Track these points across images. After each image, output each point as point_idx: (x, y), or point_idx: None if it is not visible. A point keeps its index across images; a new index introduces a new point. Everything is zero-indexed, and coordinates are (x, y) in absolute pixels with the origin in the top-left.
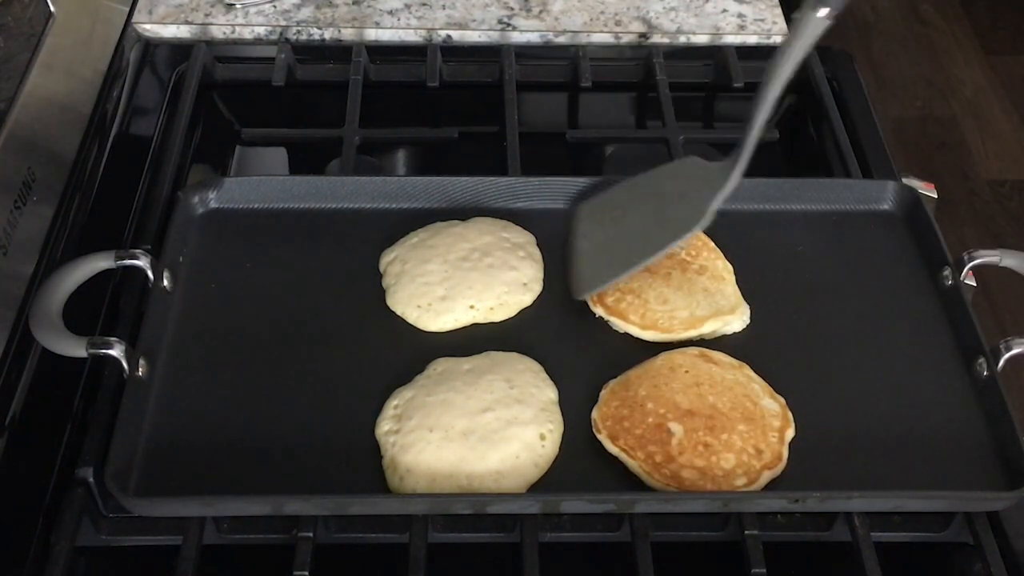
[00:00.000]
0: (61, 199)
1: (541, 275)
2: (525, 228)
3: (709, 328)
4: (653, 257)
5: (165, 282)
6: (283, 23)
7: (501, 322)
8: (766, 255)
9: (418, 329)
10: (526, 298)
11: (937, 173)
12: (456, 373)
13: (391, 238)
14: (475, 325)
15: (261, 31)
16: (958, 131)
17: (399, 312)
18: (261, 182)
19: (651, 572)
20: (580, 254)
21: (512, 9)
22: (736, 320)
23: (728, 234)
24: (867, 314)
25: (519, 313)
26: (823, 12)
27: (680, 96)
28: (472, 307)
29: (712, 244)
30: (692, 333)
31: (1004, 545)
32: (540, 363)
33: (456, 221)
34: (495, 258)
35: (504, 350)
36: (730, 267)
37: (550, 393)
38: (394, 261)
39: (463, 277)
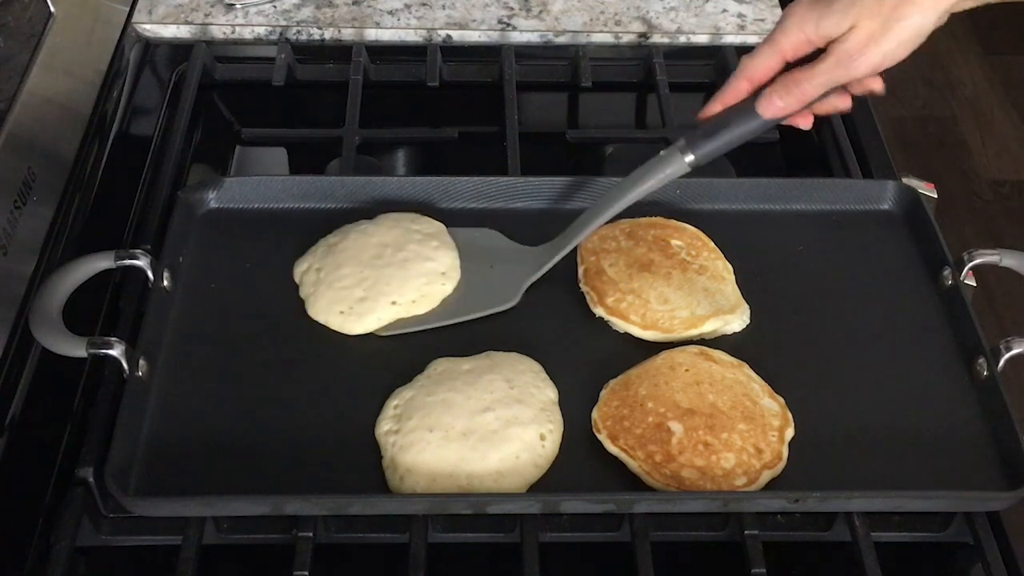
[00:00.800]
0: (61, 199)
1: (458, 262)
2: (525, 228)
3: (709, 328)
4: (455, 320)
5: (165, 282)
6: (283, 23)
7: (501, 323)
8: (766, 255)
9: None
10: (447, 287)
11: (937, 173)
12: (456, 373)
13: None
14: (463, 325)
15: (261, 31)
16: (958, 131)
17: (321, 320)
18: (261, 182)
19: (651, 572)
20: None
21: (512, 9)
22: (736, 320)
23: (728, 234)
24: (867, 314)
25: (514, 312)
26: (690, 159)
27: (680, 96)
28: (394, 303)
29: (712, 244)
30: (692, 333)
31: (1004, 545)
32: (540, 363)
33: (363, 221)
34: (408, 252)
35: (504, 350)
36: (730, 267)
37: (550, 393)
38: (308, 271)
39: (379, 275)
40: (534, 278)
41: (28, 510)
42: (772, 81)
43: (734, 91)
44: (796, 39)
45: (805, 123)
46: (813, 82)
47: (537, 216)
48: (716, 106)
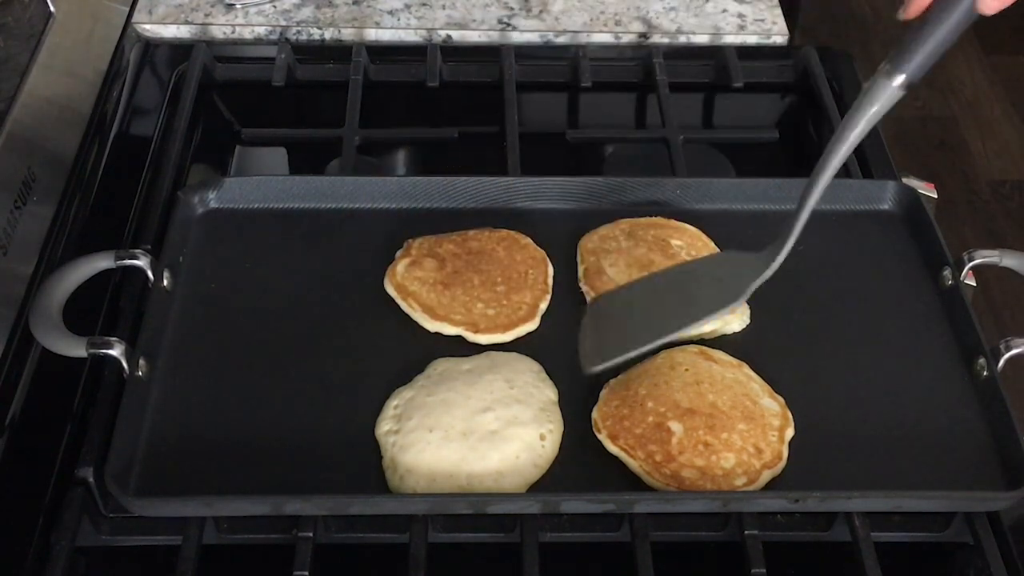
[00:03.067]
0: (61, 199)
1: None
2: (525, 229)
3: (709, 328)
4: (676, 333)
5: (165, 282)
6: (283, 23)
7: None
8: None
9: (418, 328)
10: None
11: (937, 173)
12: (456, 373)
13: (391, 239)
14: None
15: (261, 31)
16: (958, 131)
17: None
18: (261, 182)
19: (651, 572)
20: (593, 330)
21: (512, 9)
22: (736, 320)
23: (728, 234)
24: (867, 314)
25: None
26: (899, 80)
27: (680, 96)
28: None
29: (712, 244)
30: (692, 333)
31: (1004, 545)
32: (540, 363)
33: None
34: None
35: (504, 350)
36: None
37: (550, 393)
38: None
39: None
40: (763, 278)
41: (28, 510)
42: None
43: None
44: None
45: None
46: None
47: (537, 216)
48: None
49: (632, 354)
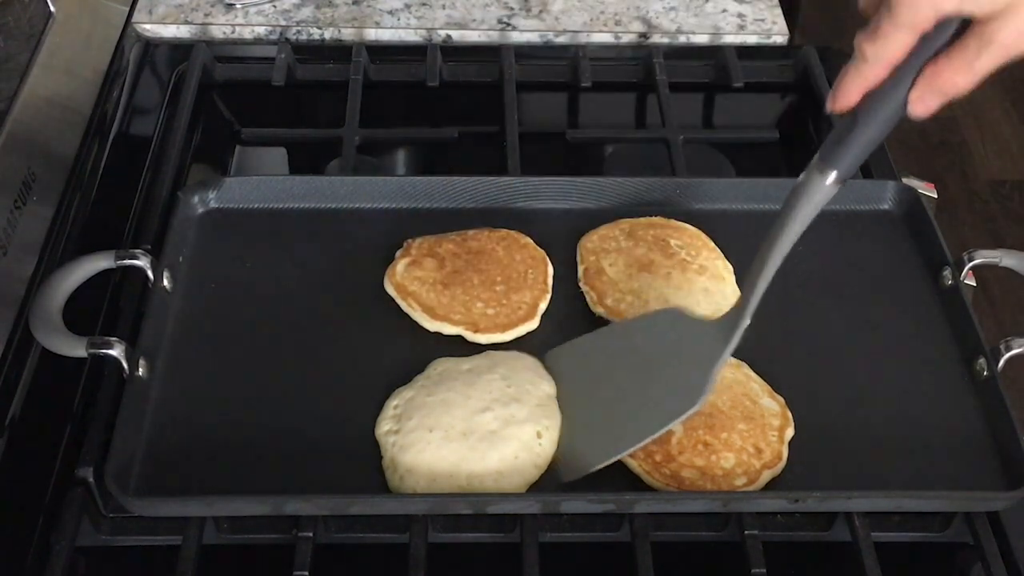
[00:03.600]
0: (61, 199)
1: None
2: (525, 229)
3: None
4: (654, 435)
5: (165, 282)
6: (283, 23)
7: None
8: None
9: (418, 328)
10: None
11: (937, 173)
12: (456, 373)
13: (391, 238)
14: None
15: (261, 31)
16: (958, 131)
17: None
18: (261, 182)
19: (651, 572)
20: (566, 428)
21: (512, 9)
22: None
23: (728, 234)
24: (867, 313)
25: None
26: (831, 178)
27: (680, 96)
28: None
29: (712, 244)
30: None
31: (1004, 545)
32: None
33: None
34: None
35: (504, 350)
36: (730, 267)
37: (546, 387)
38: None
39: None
40: (724, 359)
41: (28, 510)
42: (906, 64)
43: (869, 77)
44: (925, 16)
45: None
46: (971, 77)
47: (537, 216)
48: (854, 93)
49: (608, 462)
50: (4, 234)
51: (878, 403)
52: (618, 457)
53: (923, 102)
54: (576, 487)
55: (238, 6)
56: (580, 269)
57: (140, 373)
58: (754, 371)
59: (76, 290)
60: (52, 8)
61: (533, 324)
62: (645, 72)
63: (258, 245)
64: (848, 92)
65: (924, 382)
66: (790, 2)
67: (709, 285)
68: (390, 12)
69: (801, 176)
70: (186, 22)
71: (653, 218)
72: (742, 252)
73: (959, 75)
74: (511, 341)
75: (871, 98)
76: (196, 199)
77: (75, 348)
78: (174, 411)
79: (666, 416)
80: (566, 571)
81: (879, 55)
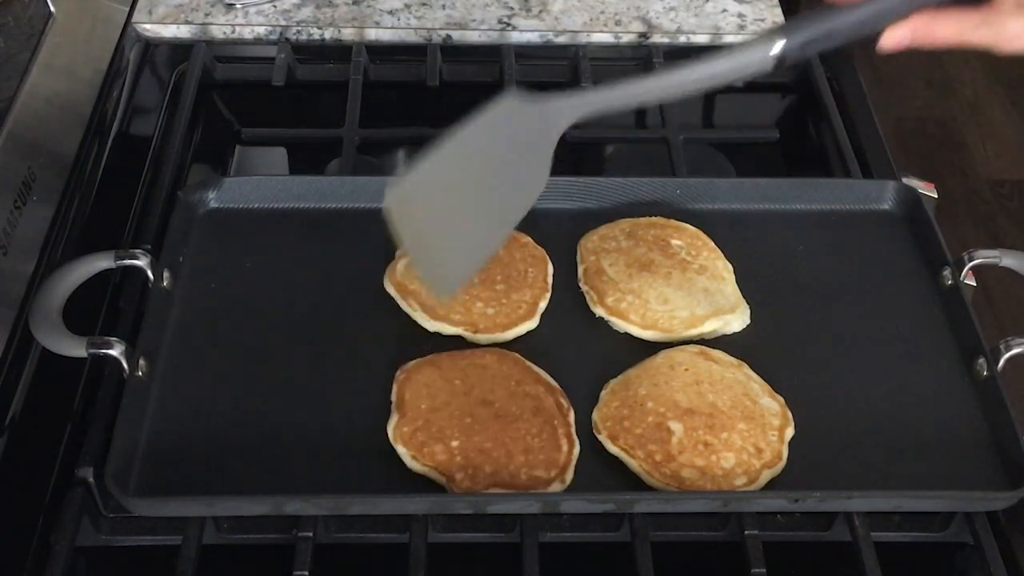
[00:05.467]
0: (61, 199)
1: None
2: (524, 228)
3: (709, 328)
4: (507, 233)
5: (165, 282)
6: (283, 23)
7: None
8: (766, 255)
9: (418, 327)
10: None
11: (937, 173)
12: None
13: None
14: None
15: (261, 31)
16: (958, 131)
17: None
18: (261, 182)
19: (651, 572)
20: (432, 245)
21: (512, 9)
22: (736, 320)
23: (728, 234)
24: (867, 314)
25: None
26: (777, 48)
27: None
28: None
29: (712, 244)
30: (692, 333)
31: (1004, 545)
32: (540, 363)
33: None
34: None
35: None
36: (730, 267)
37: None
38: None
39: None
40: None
41: (28, 510)
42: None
43: None
44: None
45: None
46: (955, 41)
47: (537, 216)
48: None
49: (473, 272)
50: (4, 234)
51: (878, 403)
52: (481, 261)
53: (896, 40)
54: (576, 487)
55: (238, 6)
56: (580, 269)
57: (140, 373)
58: (754, 371)
59: (76, 290)
60: (52, 8)
61: (533, 323)
62: (645, 72)
63: (258, 245)
64: None
65: (924, 382)
66: (790, 2)
67: (709, 285)
68: (390, 12)
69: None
70: (186, 22)
71: (653, 218)
72: (742, 252)
73: (947, 34)
74: (511, 341)
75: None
76: (196, 199)
77: (75, 348)
78: (174, 411)
79: (516, 211)
80: (566, 571)
81: None
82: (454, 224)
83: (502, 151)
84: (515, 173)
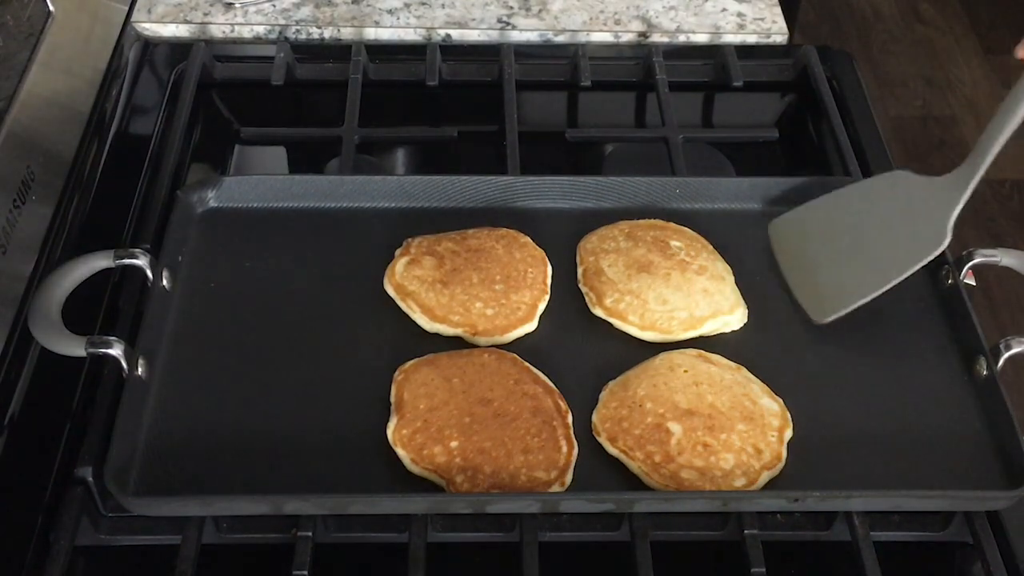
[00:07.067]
0: (60, 198)
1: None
2: (524, 228)
3: (708, 328)
4: (900, 278)
5: (164, 281)
6: (282, 22)
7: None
8: (766, 255)
9: (418, 328)
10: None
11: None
12: None
13: (391, 238)
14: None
15: (260, 30)
16: (958, 131)
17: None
18: (260, 181)
19: (651, 572)
20: (810, 275)
21: (511, 8)
22: (735, 320)
23: (728, 234)
24: (866, 314)
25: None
26: None
27: (680, 95)
28: None
29: (711, 246)
30: (691, 333)
31: (1004, 545)
32: (540, 363)
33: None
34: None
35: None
36: (729, 268)
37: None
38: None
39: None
40: (959, 207)
41: (28, 509)
42: None
43: None
44: None
45: None
46: None
47: (537, 216)
48: None
49: (859, 303)
50: (3, 233)
51: (878, 403)
52: (869, 298)
53: None
54: (576, 487)
55: (237, 5)
56: (579, 270)
57: (139, 373)
58: (754, 372)
59: (75, 289)
60: (51, 7)
61: (532, 325)
62: (645, 71)
63: (257, 244)
64: None
65: (924, 382)
66: (790, 2)
67: (709, 285)
68: (389, 11)
69: None
70: (185, 21)
71: (653, 220)
72: (742, 252)
73: None
74: (510, 343)
75: None
76: (195, 198)
77: (74, 347)
78: (173, 411)
79: (909, 260)
80: (566, 571)
81: None
82: (831, 261)
83: (886, 212)
84: (903, 232)
